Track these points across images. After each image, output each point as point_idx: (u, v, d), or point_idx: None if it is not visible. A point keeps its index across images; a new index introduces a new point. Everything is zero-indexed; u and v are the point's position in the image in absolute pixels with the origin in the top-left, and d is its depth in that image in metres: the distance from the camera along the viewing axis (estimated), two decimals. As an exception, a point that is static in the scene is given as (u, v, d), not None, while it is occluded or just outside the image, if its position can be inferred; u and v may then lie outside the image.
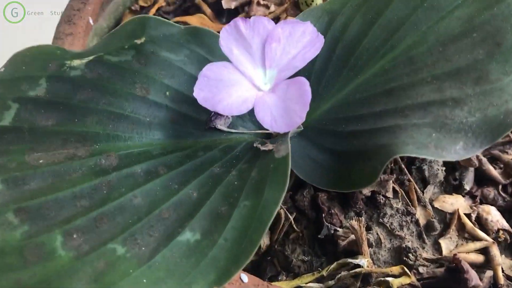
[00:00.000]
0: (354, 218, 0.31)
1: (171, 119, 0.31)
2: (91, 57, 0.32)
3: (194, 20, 0.39)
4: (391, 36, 0.29)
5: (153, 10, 0.41)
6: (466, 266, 0.30)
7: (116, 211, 0.26)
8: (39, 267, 0.24)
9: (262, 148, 0.28)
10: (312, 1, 0.33)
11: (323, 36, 0.28)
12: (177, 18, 0.40)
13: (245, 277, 0.27)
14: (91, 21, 0.37)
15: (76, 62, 0.32)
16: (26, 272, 0.23)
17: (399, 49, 0.29)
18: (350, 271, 0.30)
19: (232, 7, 0.40)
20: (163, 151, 0.30)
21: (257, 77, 0.29)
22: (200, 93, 0.28)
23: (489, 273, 0.31)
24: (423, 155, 0.24)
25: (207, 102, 0.27)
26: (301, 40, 0.28)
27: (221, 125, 0.31)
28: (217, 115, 0.31)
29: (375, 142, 0.26)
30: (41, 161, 0.29)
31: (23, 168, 0.28)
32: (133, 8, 0.42)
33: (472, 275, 0.29)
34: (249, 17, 0.39)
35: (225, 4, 0.40)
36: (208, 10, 0.40)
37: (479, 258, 0.32)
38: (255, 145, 0.30)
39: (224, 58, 0.31)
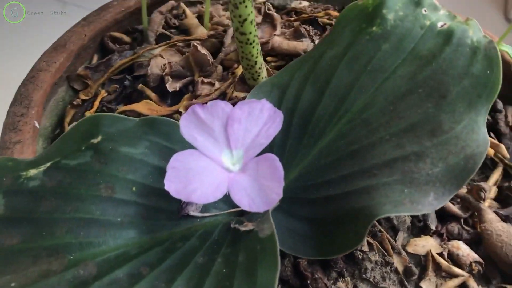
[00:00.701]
0: (340, 279, 0.31)
1: (142, 215, 0.30)
2: (48, 164, 0.30)
3: (141, 107, 0.39)
4: (343, 101, 0.31)
5: (97, 103, 0.40)
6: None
7: (106, 325, 0.25)
8: None
9: (242, 229, 0.28)
10: (259, 75, 0.35)
11: (280, 111, 0.29)
12: (123, 108, 0.39)
13: None
14: (37, 124, 0.36)
15: (33, 172, 0.30)
16: None
17: (352, 113, 0.30)
18: (347, 334, 0.30)
19: (177, 88, 0.40)
20: (141, 249, 0.29)
21: (225, 159, 0.29)
22: (171, 185, 0.27)
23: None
24: (403, 213, 0.25)
25: (180, 194, 0.27)
26: (261, 117, 0.29)
27: (193, 211, 0.31)
28: (187, 202, 0.31)
29: (351, 205, 0.27)
30: (12, 285, 0.27)
31: (-8, 297, 0.26)
32: (74, 103, 0.41)
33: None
34: (196, 97, 0.40)
35: (169, 87, 0.40)
36: (152, 94, 0.41)
37: (460, 294, 0.33)
38: (232, 226, 0.30)
39: (185, 144, 0.31)
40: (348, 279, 0.31)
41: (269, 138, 0.29)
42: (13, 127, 0.35)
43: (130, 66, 0.44)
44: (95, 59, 0.45)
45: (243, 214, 0.32)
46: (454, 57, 0.29)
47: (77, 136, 0.31)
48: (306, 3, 0.51)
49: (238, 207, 0.32)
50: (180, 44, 0.44)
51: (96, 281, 0.27)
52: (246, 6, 0.31)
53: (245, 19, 0.32)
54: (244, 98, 0.37)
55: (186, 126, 0.29)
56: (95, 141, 0.31)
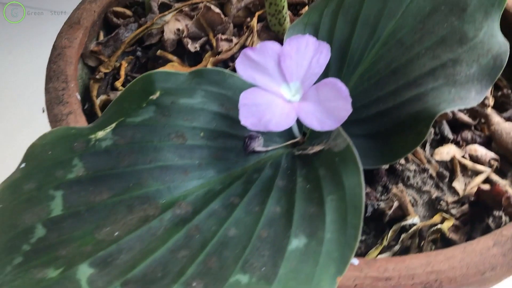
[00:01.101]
0: (393, 187, 0.35)
1: (215, 156, 0.32)
2: (113, 125, 0.32)
3: (170, 68, 0.40)
4: (375, 29, 0.34)
5: (122, 73, 0.41)
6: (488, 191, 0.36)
7: (219, 247, 0.27)
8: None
9: (311, 152, 0.31)
10: (285, 20, 0.37)
11: (325, 43, 0.32)
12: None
13: (355, 260, 0.29)
14: (78, 97, 0.37)
15: (101, 134, 0.32)
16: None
17: (385, 37, 0.34)
18: (408, 232, 0.34)
19: (198, 48, 0.42)
20: (223, 185, 0.31)
21: (284, 92, 0.32)
22: (247, 120, 0.30)
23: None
24: (457, 107, 0.30)
25: (257, 126, 0.30)
26: (308, 51, 0.32)
27: (257, 147, 0.33)
28: (251, 139, 0.33)
29: (406, 113, 0.31)
30: (116, 234, 0.28)
31: (102, 247, 0.28)
32: (97, 77, 0.42)
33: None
34: (218, 53, 0.42)
35: (191, 48, 0.42)
36: (174, 58, 0.42)
37: (487, 186, 0.38)
38: (296, 153, 0.33)
39: (235, 89, 0.33)
40: (401, 185, 0.35)
41: (321, 67, 0.32)
42: (59, 100, 0.35)
43: (140, 38, 0.45)
44: (101, 36, 0.46)
45: (295, 146, 0.35)
46: (466, -25, 0.33)
47: (134, 95, 0.33)
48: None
49: (294, 139, 0.35)
50: (186, 9, 0.46)
51: (196, 215, 0.29)
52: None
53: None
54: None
55: (243, 69, 0.32)
56: (153, 97, 0.33)
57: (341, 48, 0.35)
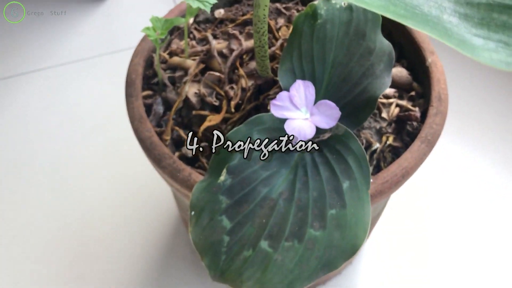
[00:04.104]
0: (361, 132, 0.66)
1: (280, 162, 0.60)
2: (224, 171, 0.58)
3: (209, 121, 0.65)
4: (324, 61, 0.62)
5: (183, 134, 0.66)
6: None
7: (314, 202, 0.56)
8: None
9: (325, 137, 0.60)
10: (267, 67, 0.64)
11: (309, 81, 0.60)
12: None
13: (371, 180, 0.60)
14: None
15: (222, 178, 0.57)
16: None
17: (331, 63, 0.62)
18: (376, 152, 0.66)
19: (215, 100, 0.67)
20: (293, 174, 0.59)
21: (301, 115, 0.59)
22: (293, 134, 0.57)
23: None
24: (385, 89, 0.60)
25: (300, 137, 0.57)
26: (302, 89, 0.59)
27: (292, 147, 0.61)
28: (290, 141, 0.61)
29: (361, 99, 0.61)
30: (264, 221, 0.56)
31: (264, 228, 0.55)
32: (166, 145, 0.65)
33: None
34: (231, 99, 0.67)
35: (213, 101, 0.67)
36: (206, 112, 0.67)
37: (397, 109, 0.70)
38: (318, 140, 0.61)
39: (272, 121, 0.60)
40: (363, 130, 0.66)
41: (313, 95, 0.59)
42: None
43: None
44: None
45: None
46: (358, 16, 0.62)
47: (222, 150, 0.59)
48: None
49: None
50: (190, 77, 0.70)
51: (293, 195, 0.57)
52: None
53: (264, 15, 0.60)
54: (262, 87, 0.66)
55: (275, 111, 0.59)
56: (234, 150, 0.59)
57: (311, 77, 0.63)
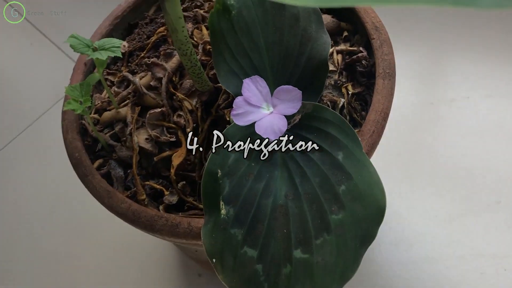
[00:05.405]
0: (324, 94, 0.64)
1: (267, 164, 0.57)
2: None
3: (178, 157, 0.61)
4: (258, 47, 0.58)
5: (139, 185, 0.61)
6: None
7: (317, 188, 0.54)
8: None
9: (298, 119, 0.57)
10: (203, 81, 0.59)
11: (257, 76, 0.56)
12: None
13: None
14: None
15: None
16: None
17: (267, 43, 0.59)
18: (345, 107, 0.64)
19: (169, 135, 0.62)
20: (283, 168, 0.56)
21: (264, 111, 0.56)
22: (266, 135, 0.54)
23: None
24: (329, 49, 0.57)
25: (276, 135, 0.54)
26: (253, 86, 0.56)
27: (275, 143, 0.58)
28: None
29: (312, 66, 0.58)
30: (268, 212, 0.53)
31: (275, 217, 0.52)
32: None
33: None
34: (184, 126, 0.63)
35: (169, 138, 0.62)
36: (169, 152, 0.62)
37: (341, 56, 0.68)
38: (293, 124, 0.58)
39: (239, 128, 0.57)
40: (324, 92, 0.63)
41: (265, 87, 0.56)
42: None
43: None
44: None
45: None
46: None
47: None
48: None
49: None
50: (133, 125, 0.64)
51: (293, 189, 0.54)
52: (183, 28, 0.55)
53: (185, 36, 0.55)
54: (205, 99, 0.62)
55: (238, 120, 0.55)
56: (220, 173, 0.55)
57: (253, 70, 0.59)
